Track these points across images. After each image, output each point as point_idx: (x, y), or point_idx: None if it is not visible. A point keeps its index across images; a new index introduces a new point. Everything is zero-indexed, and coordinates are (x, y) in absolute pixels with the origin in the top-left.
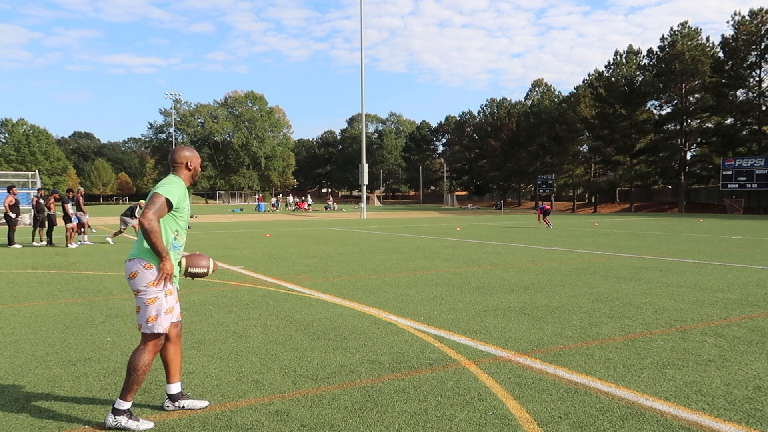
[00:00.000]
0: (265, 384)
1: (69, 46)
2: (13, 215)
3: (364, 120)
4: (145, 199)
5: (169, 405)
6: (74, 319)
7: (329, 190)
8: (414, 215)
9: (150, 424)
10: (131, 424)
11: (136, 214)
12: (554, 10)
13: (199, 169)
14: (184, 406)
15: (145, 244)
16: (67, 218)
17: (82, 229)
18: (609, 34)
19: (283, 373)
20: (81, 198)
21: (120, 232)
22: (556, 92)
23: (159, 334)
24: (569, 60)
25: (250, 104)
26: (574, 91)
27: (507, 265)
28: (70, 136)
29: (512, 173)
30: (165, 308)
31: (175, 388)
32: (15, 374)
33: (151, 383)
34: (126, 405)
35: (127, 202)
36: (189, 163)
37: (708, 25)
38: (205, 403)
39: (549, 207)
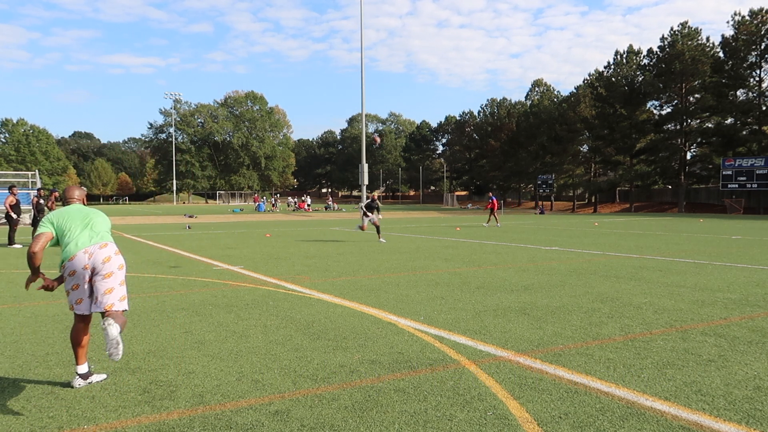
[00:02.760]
0: (265, 384)
1: (68, 47)
2: (14, 215)
3: (364, 120)
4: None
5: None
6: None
7: (329, 190)
8: (414, 215)
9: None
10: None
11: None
12: (552, 11)
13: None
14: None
15: None
16: None
17: None
18: (607, 34)
19: (283, 373)
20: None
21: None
22: (556, 92)
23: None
24: (567, 60)
25: (250, 104)
26: (574, 91)
27: (507, 265)
28: (70, 136)
29: (512, 173)
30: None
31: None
32: (15, 374)
33: (151, 383)
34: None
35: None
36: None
37: (705, 25)
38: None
39: (496, 205)
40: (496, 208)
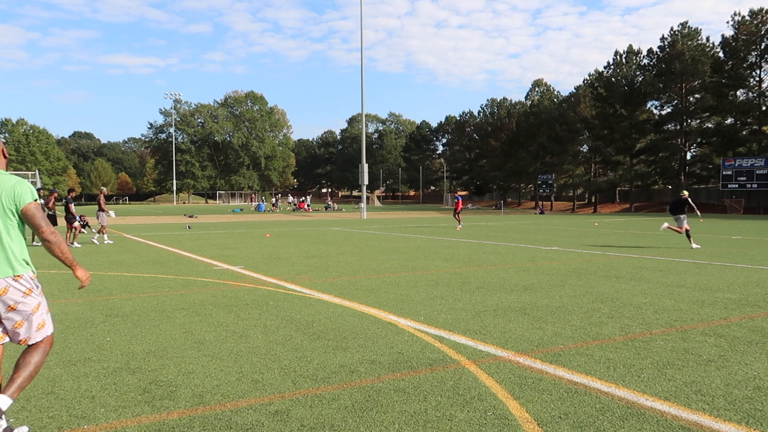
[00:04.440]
0: (265, 384)
1: (67, 47)
2: None
3: (364, 120)
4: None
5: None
6: (74, 319)
7: (329, 190)
8: (414, 215)
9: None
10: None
11: None
12: (550, 11)
13: None
14: None
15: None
16: (71, 217)
17: (96, 230)
18: (605, 34)
19: (283, 373)
20: (102, 198)
21: None
22: (556, 92)
23: None
24: (566, 60)
25: (250, 104)
26: (574, 91)
27: (507, 265)
28: (70, 136)
29: (512, 173)
30: None
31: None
32: None
33: (151, 383)
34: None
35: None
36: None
37: (703, 26)
38: None
39: (460, 206)
40: (459, 208)
